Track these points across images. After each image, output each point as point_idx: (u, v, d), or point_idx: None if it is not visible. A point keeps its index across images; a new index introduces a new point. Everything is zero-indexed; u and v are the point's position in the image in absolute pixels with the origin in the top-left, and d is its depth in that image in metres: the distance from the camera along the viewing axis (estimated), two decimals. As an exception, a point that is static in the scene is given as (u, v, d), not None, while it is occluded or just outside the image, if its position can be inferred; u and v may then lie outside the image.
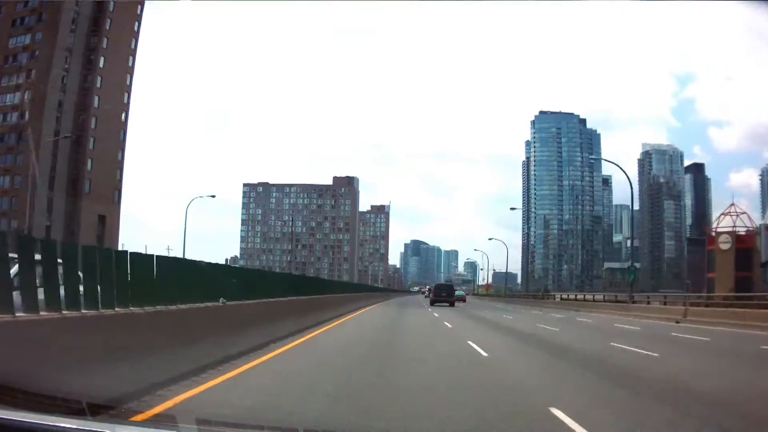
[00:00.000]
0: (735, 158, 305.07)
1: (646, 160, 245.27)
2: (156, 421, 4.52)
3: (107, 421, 3.46)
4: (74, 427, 2.52)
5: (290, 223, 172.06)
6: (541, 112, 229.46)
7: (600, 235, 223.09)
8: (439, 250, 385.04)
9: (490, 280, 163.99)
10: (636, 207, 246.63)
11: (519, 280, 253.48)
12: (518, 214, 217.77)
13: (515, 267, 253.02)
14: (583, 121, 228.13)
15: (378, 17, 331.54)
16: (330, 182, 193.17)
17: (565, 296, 68.39)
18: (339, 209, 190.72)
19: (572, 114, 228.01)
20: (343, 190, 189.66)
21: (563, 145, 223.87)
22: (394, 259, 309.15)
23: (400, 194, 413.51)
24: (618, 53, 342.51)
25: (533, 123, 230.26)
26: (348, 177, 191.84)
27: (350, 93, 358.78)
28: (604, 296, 55.58)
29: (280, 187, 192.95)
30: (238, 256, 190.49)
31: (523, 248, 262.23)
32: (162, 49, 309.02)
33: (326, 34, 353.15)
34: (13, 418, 2.45)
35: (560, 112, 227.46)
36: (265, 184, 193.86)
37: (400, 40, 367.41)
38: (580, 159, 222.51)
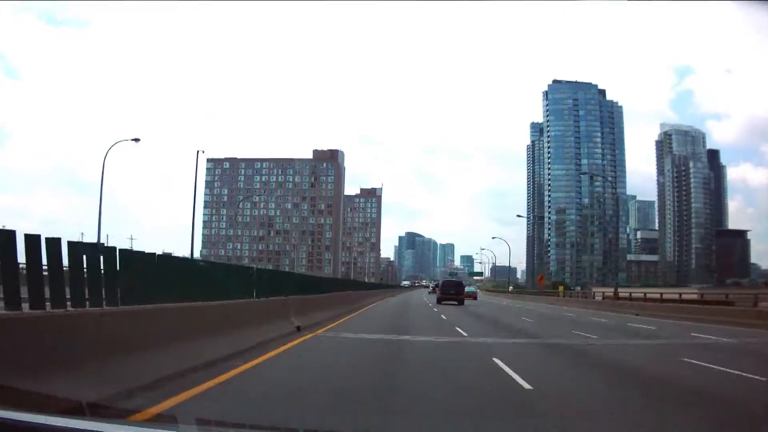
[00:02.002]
0: (732, 152, 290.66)
1: (665, 142, 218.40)
2: (156, 420, 4.47)
3: (107, 421, 3.31)
4: (74, 426, 2.49)
5: (261, 203, 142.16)
6: (555, 82, 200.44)
7: (624, 222, 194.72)
8: (434, 243, 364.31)
9: (488, 274, 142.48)
10: (652, 196, 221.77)
11: (518, 274, 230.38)
12: (514, 208, 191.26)
13: (520, 261, 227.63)
14: (603, 92, 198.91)
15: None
16: (310, 157, 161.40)
17: (608, 292, 48.50)
18: (320, 188, 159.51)
19: (590, 84, 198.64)
20: (324, 165, 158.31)
21: (581, 118, 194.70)
22: (388, 251, 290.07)
23: (393, 188, 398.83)
24: (616, 45, 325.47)
25: (545, 94, 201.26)
26: (331, 150, 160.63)
27: (342, 84, 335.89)
28: (702, 294, 39.22)
29: (250, 163, 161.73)
30: (200, 245, 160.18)
31: (528, 240, 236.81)
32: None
33: (315, 20, 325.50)
34: (13, 418, 2.39)
35: (576, 82, 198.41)
36: (232, 160, 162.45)
37: (392, 26, 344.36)
38: (600, 134, 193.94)
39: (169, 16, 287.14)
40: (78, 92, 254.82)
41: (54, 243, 5.51)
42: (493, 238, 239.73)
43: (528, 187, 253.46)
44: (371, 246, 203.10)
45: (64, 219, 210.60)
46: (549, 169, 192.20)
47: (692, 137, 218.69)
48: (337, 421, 5.35)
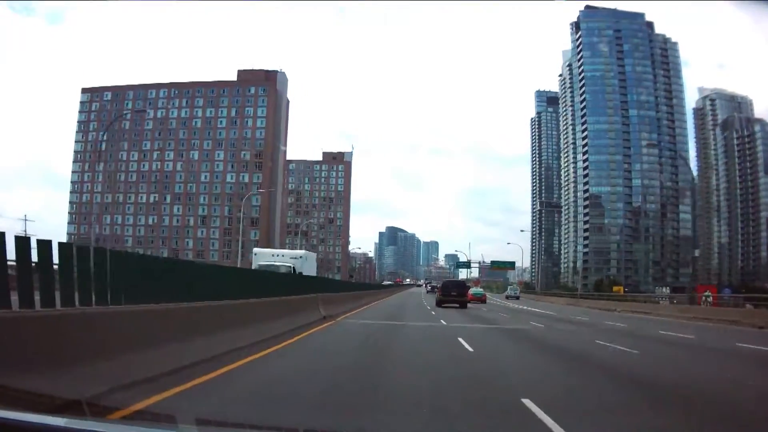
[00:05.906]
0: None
1: (707, 108, 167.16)
2: (155, 420, 4.39)
3: (106, 420, 3.33)
4: (74, 426, 2.49)
5: (155, 153, 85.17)
6: (588, 8, 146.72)
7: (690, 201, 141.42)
8: (418, 240, 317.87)
9: (476, 274, 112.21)
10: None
11: (509, 274, 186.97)
12: (499, 208, 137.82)
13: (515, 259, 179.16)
14: (651, 25, 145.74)
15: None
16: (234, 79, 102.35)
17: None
18: (245, 127, 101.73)
19: (636, 13, 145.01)
20: (252, 90, 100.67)
21: (625, 55, 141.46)
22: (368, 247, 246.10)
23: (373, 186, 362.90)
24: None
25: (575, 25, 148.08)
26: (265, 71, 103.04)
27: (321, 81, 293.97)
28: None
29: (142, 91, 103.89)
30: (67, 218, 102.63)
31: (533, 231, 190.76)
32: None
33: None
34: (13, 418, 2.38)
35: (616, 10, 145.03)
36: (116, 88, 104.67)
37: (369, 16, 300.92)
38: (652, 78, 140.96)
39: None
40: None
41: (45, 244, 5.51)
42: (522, 230, 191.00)
43: (533, 168, 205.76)
44: (338, 231, 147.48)
45: None
46: (585, 122, 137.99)
47: (739, 103, 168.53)
48: None
